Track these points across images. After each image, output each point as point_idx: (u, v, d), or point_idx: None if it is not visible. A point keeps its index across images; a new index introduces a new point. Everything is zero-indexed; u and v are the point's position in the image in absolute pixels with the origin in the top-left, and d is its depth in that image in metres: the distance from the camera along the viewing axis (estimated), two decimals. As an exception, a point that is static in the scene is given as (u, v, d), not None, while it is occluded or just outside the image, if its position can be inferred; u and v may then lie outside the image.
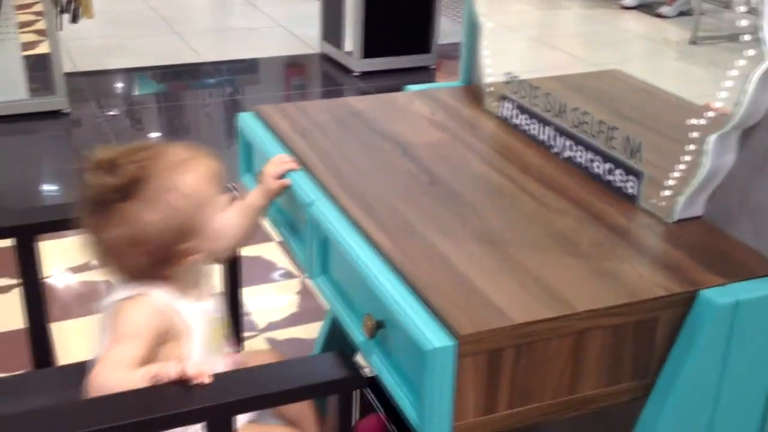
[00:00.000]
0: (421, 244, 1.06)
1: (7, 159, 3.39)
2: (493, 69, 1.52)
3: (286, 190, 1.28)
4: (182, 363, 0.93)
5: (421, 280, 0.97)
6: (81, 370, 1.27)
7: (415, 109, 1.52)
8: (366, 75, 4.28)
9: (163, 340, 1.07)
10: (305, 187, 1.23)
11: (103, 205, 1.05)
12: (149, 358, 1.05)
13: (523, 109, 1.41)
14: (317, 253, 1.18)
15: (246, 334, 2.25)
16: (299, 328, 2.41)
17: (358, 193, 1.19)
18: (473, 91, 1.59)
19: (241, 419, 1.11)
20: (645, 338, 0.97)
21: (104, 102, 4.00)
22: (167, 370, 0.92)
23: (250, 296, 2.42)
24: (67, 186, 3.21)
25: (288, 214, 1.33)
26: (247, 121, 1.48)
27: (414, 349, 0.90)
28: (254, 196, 1.28)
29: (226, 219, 1.14)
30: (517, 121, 1.42)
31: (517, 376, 0.93)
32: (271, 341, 2.24)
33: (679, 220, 1.13)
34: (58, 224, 1.25)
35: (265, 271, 2.61)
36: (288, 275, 2.71)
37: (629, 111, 1.28)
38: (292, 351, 2.18)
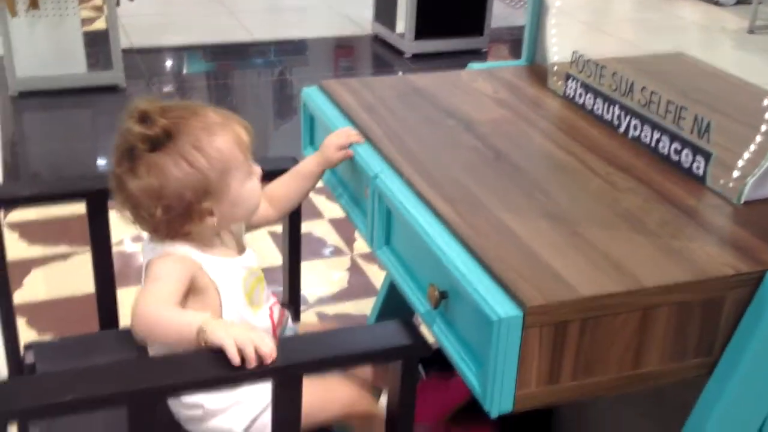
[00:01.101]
0: (486, 217, 1.07)
1: (65, 131, 3.47)
2: (559, 47, 1.52)
3: (349, 162, 1.30)
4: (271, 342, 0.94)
5: (487, 252, 0.98)
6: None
7: (478, 87, 1.53)
8: (417, 57, 4.27)
9: (191, 288, 1.10)
10: (369, 160, 1.24)
11: (132, 153, 1.08)
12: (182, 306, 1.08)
13: (588, 88, 1.40)
14: (380, 225, 1.19)
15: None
16: (348, 303, 2.43)
17: (423, 167, 1.20)
18: (536, 71, 1.59)
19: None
20: (711, 316, 0.97)
21: (157, 79, 4.07)
22: (259, 342, 0.93)
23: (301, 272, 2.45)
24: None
25: (350, 187, 1.35)
26: (311, 95, 1.49)
27: (480, 319, 0.91)
28: (310, 162, 1.30)
29: (250, 188, 1.15)
30: (582, 101, 1.42)
31: (582, 349, 0.93)
32: (321, 315, 2.27)
33: (748, 202, 1.12)
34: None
35: (315, 247, 2.64)
36: (338, 252, 2.73)
37: (696, 93, 1.27)
38: (341, 326, 2.20)
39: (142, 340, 1.06)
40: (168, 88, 3.96)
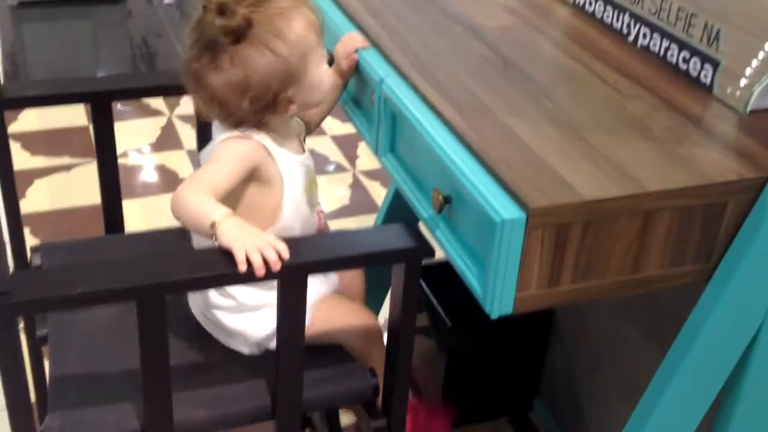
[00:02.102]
0: (492, 122, 1.06)
1: (65, 41, 3.43)
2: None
3: (355, 69, 1.29)
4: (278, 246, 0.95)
5: (491, 155, 0.98)
6: (149, 236, 1.32)
7: (485, -5, 1.50)
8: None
9: (254, 177, 1.11)
10: (375, 65, 1.23)
11: (214, 46, 1.07)
12: (236, 193, 1.09)
13: (597, -3, 1.38)
14: (385, 131, 1.19)
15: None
16: (350, 219, 2.45)
17: (429, 72, 1.19)
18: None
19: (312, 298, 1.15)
20: (713, 222, 0.98)
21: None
22: (266, 248, 0.93)
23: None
24: (122, 70, 3.25)
25: (355, 93, 1.34)
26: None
27: (483, 221, 0.92)
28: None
29: (324, 71, 1.15)
30: (592, 8, 1.39)
31: (582, 252, 0.94)
32: (325, 229, 2.28)
33: (754, 111, 1.11)
34: (132, 91, 1.28)
35: (318, 163, 2.63)
36: (340, 168, 2.74)
37: (710, 1, 1.25)
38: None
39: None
40: (169, 1, 3.89)
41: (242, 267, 0.91)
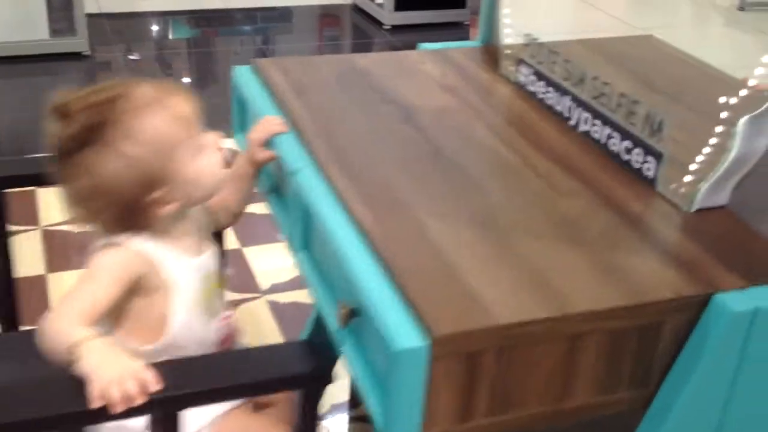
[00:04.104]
0: (408, 222, 0.95)
1: (23, 100, 3.34)
2: (513, 29, 1.39)
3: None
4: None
5: (400, 265, 0.87)
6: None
7: (426, 70, 1.40)
8: (397, 29, 4.13)
9: (136, 288, 0.98)
10: (291, 153, 1.13)
11: (63, 155, 0.97)
12: (120, 309, 0.97)
13: (540, 76, 1.28)
14: (300, 226, 1.08)
15: (248, 295, 2.18)
16: (303, 291, 2.32)
17: (348, 161, 1.09)
18: (491, 53, 1.46)
19: (219, 408, 1.03)
20: (648, 344, 0.87)
21: (126, 45, 3.92)
22: (128, 381, 0.82)
23: (255, 256, 2.34)
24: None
25: (276, 179, 1.23)
26: (242, 75, 1.37)
27: (384, 347, 0.80)
28: (241, 163, 1.18)
29: (205, 164, 1.03)
30: (534, 89, 1.30)
31: (498, 381, 0.83)
32: (273, 304, 2.16)
33: (701, 210, 1.00)
34: (27, 179, 1.17)
35: (272, 230, 2.53)
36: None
37: (658, 83, 1.15)
38: (295, 315, 2.10)
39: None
40: (136, 56, 3.81)
41: (95, 403, 0.79)
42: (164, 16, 4.32)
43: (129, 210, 0.97)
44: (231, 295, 1.99)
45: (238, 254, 2.34)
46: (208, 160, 1.02)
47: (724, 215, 1.00)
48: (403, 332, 0.79)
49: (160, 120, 0.98)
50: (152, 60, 3.82)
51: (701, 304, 0.86)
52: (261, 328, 2.06)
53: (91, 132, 0.95)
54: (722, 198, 1.01)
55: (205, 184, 1.03)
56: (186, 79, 3.67)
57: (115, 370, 0.81)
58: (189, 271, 1.02)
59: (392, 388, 0.80)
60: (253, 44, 4.11)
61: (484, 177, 1.08)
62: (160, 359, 0.92)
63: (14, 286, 1.28)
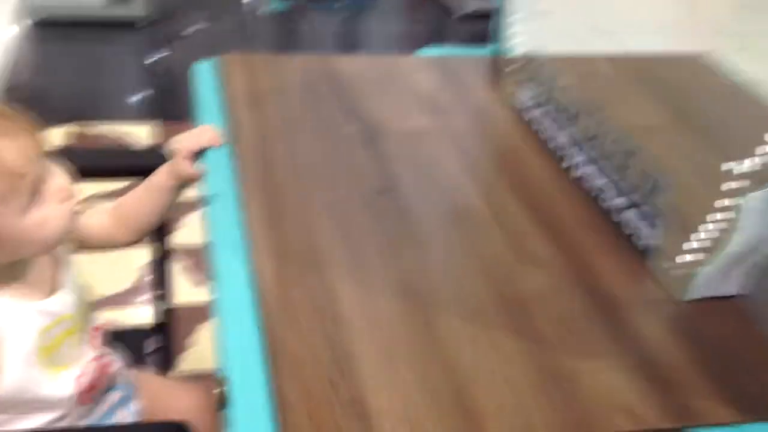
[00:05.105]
0: (316, 287, 0.76)
1: (76, 65, 3.29)
2: (524, 38, 1.17)
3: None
4: None
5: (274, 342, 0.68)
6: None
7: (414, 82, 1.20)
8: (468, 18, 3.86)
9: None
10: (217, 173, 0.95)
11: None
12: None
13: (541, 103, 1.06)
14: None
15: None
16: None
17: (278, 194, 0.90)
18: (500, 65, 1.24)
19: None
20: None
21: (185, 17, 3.81)
22: None
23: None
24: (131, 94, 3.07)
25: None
26: (203, 72, 1.19)
27: None
28: (162, 173, 1.00)
29: (39, 218, 0.82)
30: (532, 116, 1.08)
31: None
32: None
33: (700, 300, 0.78)
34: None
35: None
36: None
37: (679, 122, 0.93)
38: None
39: None
40: (194, 27, 3.69)
41: None
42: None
43: None
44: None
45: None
46: (48, 212, 0.83)
47: (728, 311, 0.78)
48: (250, 447, 0.60)
49: None
50: (210, 33, 3.70)
51: (666, 441, 0.64)
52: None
53: None
54: (730, 287, 0.78)
55: (39, 239, 0.84)
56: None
57: None
58: (26, 317, 0.84)
59: None
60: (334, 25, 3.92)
61: (435, 229, 0.88)
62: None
63: None
